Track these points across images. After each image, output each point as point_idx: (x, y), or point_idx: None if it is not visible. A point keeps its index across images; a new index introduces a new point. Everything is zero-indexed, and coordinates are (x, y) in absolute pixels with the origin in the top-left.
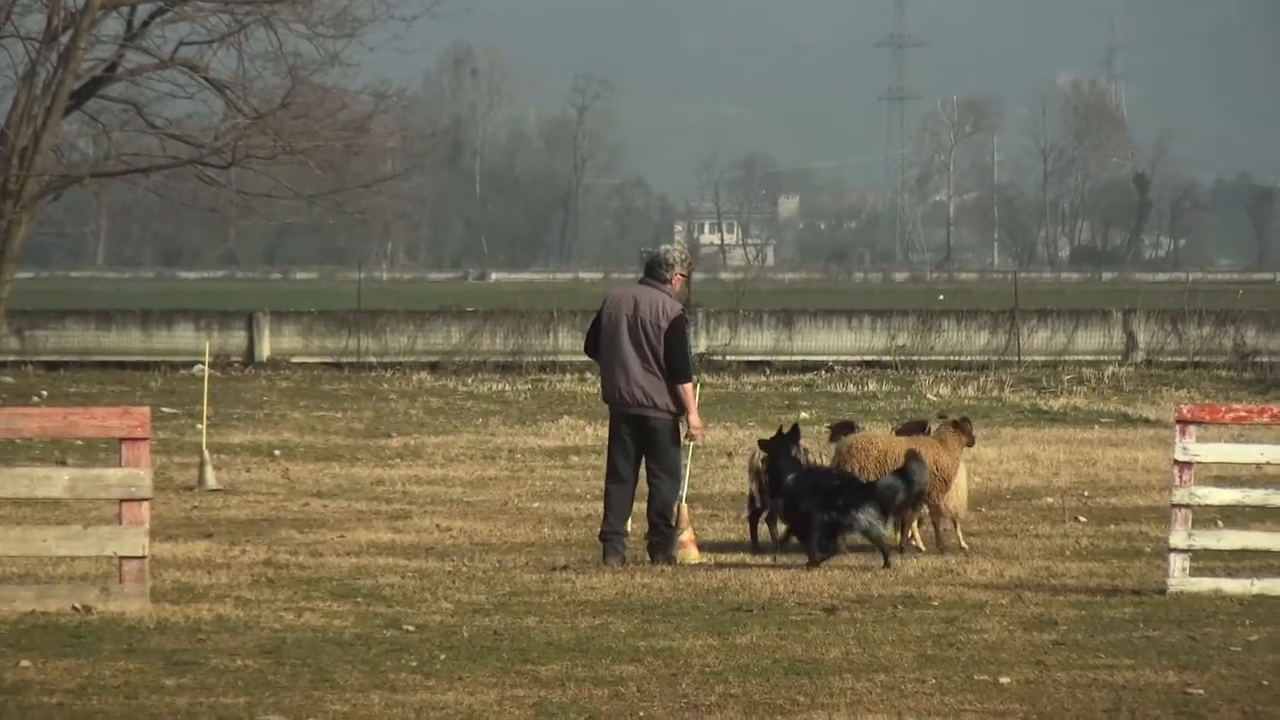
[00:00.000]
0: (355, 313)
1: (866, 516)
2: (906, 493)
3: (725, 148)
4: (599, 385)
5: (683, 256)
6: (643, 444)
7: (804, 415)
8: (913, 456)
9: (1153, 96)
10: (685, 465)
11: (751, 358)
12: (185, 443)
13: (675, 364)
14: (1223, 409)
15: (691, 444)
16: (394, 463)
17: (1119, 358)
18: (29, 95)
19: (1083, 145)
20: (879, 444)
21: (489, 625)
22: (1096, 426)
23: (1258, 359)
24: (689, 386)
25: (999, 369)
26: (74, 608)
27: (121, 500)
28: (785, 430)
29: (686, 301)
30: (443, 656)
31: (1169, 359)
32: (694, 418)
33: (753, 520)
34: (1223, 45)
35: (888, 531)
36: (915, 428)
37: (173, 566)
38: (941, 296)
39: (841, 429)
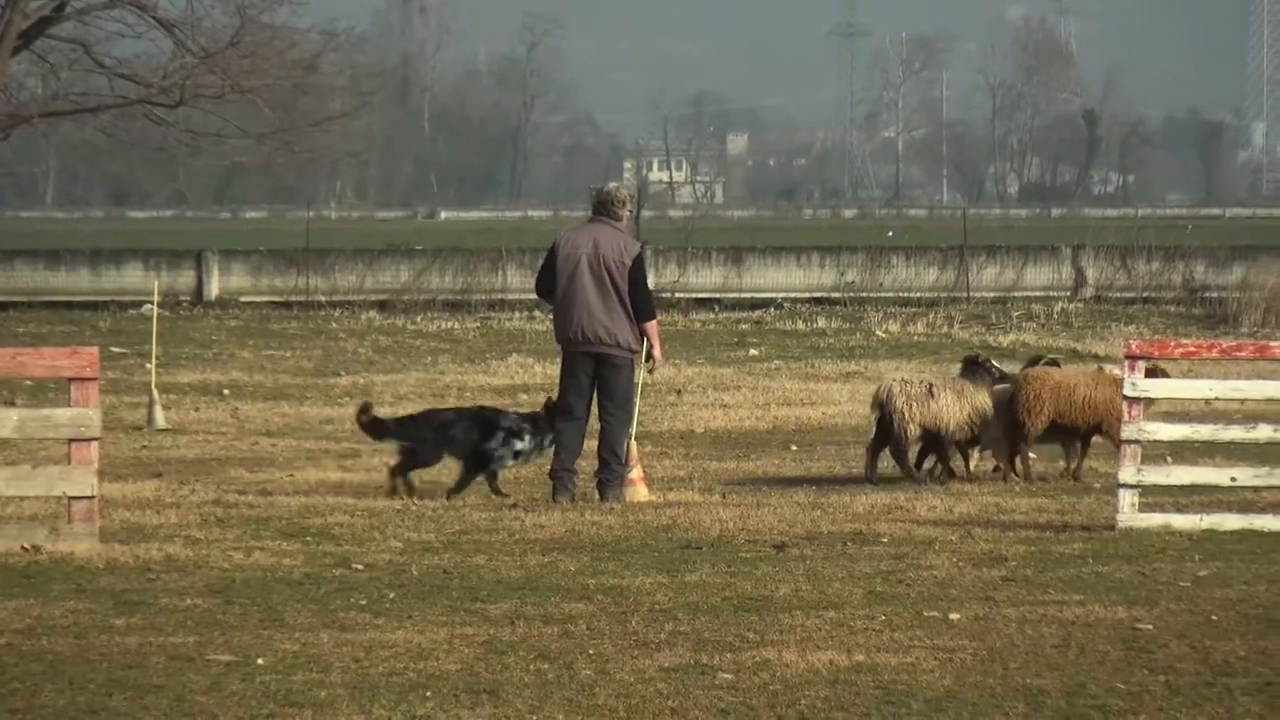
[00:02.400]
0: (304, 252)
1: None
2: None
3: (674, 85)
4: (550, 324)
5: (631, 194)
6: (600, 382)
7: (753, 352)
8: None
9: (1102, 32)
10: (636, 403)
11: (700, 295)
12: (134, 382)
13: (642, 301)
14: (1172, 344)
15: (641, 382)
16: (343, 401)
17: (1068, 294)
18: None
19: (1032, 81)
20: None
21: (438, 564)
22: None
23: (1206, 294)
24: (655, 323)
25: (948, 305)
26: (23, 548)
27: (70, 440)
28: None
29: (635, 237)
30: (392, 595)
31: (1118, 295)
32: (658, 352)
33: (872, 451)
34: None
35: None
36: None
37: (122, 506)
38: (890, 233)
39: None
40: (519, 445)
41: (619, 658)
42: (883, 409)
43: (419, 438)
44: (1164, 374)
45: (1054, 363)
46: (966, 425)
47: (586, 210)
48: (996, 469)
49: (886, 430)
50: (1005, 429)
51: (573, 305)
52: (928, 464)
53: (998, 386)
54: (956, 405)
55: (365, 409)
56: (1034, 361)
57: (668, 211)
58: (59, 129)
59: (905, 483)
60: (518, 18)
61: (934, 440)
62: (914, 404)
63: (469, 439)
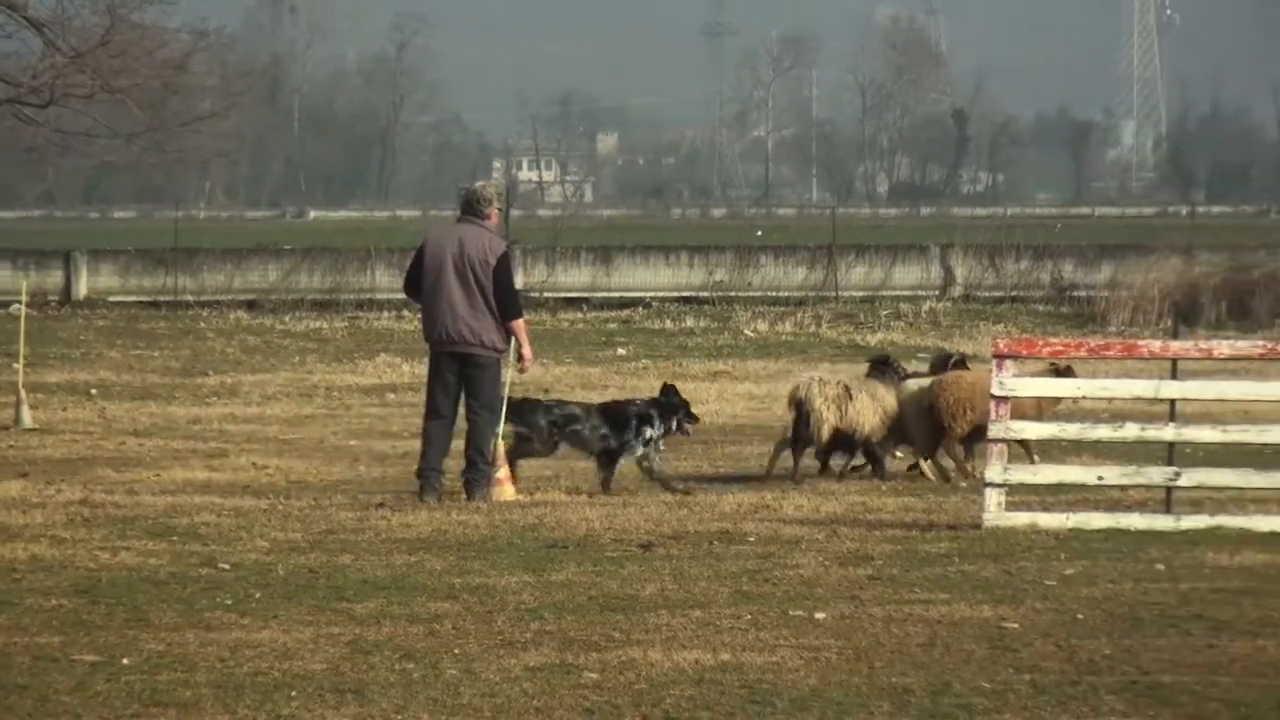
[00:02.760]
0: (173, 251)
1: None
2: None
3: (543, 84)
4: (419, 323)
5: (498, 192)
6: (465, 381)
7: (621, 351)
8: None
9: (971, 31)
10: (503, 403)
11: (569, 294)
12: (1, 382)
13: (506, 300)
14: (1040, 343)
15: (510, 381)
16: (211, 401)
17: (937, 293)
18: None
19: (901, 81)
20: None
21: (305, 563)
22: (914, 361)
23: (1075, 293)
24: (522, 321)
25: (816, 305)
26: None
27: None
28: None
29: (504, 237)
30: (258, 595)
31: (987, 293)
32: (527, 350)
33: (793, 450)
34: None
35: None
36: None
37: None
38: (759, 232)
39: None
40: (649, 433)
41: (484, 657)
42: (800, 408)
43: (535, 425)
44: (1072, 372)
45: (961, 362)
46: (881, 428)
47: (455, 210)
48: (911, 468)
49: (803, 429)
50: (927, 432)
51: (438, 305)
52: (836, 463)
53: (913, 387)
54: (871, 408)
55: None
56: (943, 362)
57: (537, 211)
58: None
59: (769, 482)
60: (387, 17)
61: (844, 441)
62: (832, 405)
63: (596, 435)
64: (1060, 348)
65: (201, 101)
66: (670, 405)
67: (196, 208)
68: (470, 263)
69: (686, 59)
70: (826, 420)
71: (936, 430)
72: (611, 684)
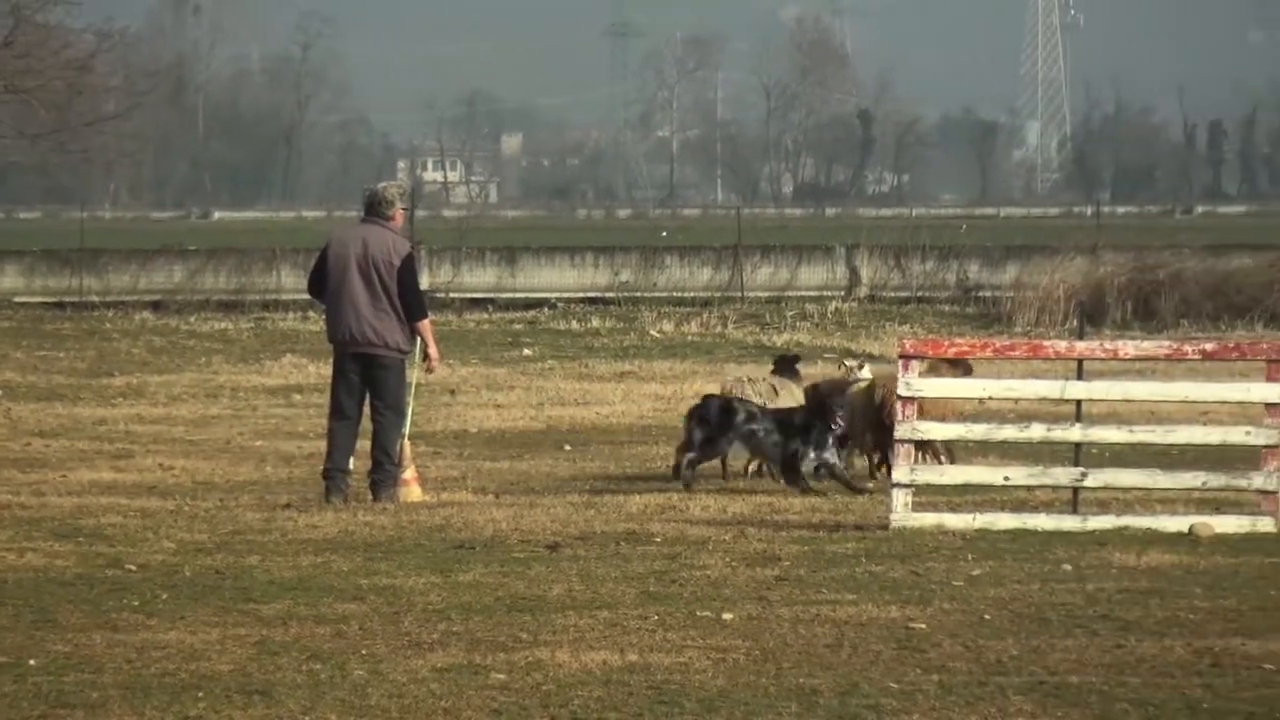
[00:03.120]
0: (78, 252)
1: None
2: None
3: (448, 85)
4: (324, 324)
5: (401, 192)
6: (370, 382)
7: (527, 352)
8: None
9: (876, 31)
10: (409, 403)
11: (474, 295)
12: None
13: (411, 301)
14: (945, 343)
15: (415, 382)
16: (117, 402)
17: (842, 293)
18: None
19: (806, 81)
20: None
21: (211, 564)
22: (820, 361)
23: (980, 294)
24: (427, 322)
25: (722, 305)
26: None
27: None
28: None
29: (409, 238)
30: (165, 596)
31: (892, 294)
32: (434, 351)
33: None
34: None
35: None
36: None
37: None
38: (665, 233)
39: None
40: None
41: (392, 658)
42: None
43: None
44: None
45: (797, 359)
46: None
47: (360, 210)
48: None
49: None
50: (873, 432)
51: (342, 306)
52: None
53: (855, 387)
54: (792, 405)
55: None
56: (789, 362)
57: (442, 212)
58: None
59: (679, 482)
60: (292, 17)
61: None
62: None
63: (770, 439)
64: (966, 348)
65: (106, 102)
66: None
67: (102, 208)
68: (374, 264)
69: (591, 60)
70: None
71: (883, 429)
72: (519, 685)
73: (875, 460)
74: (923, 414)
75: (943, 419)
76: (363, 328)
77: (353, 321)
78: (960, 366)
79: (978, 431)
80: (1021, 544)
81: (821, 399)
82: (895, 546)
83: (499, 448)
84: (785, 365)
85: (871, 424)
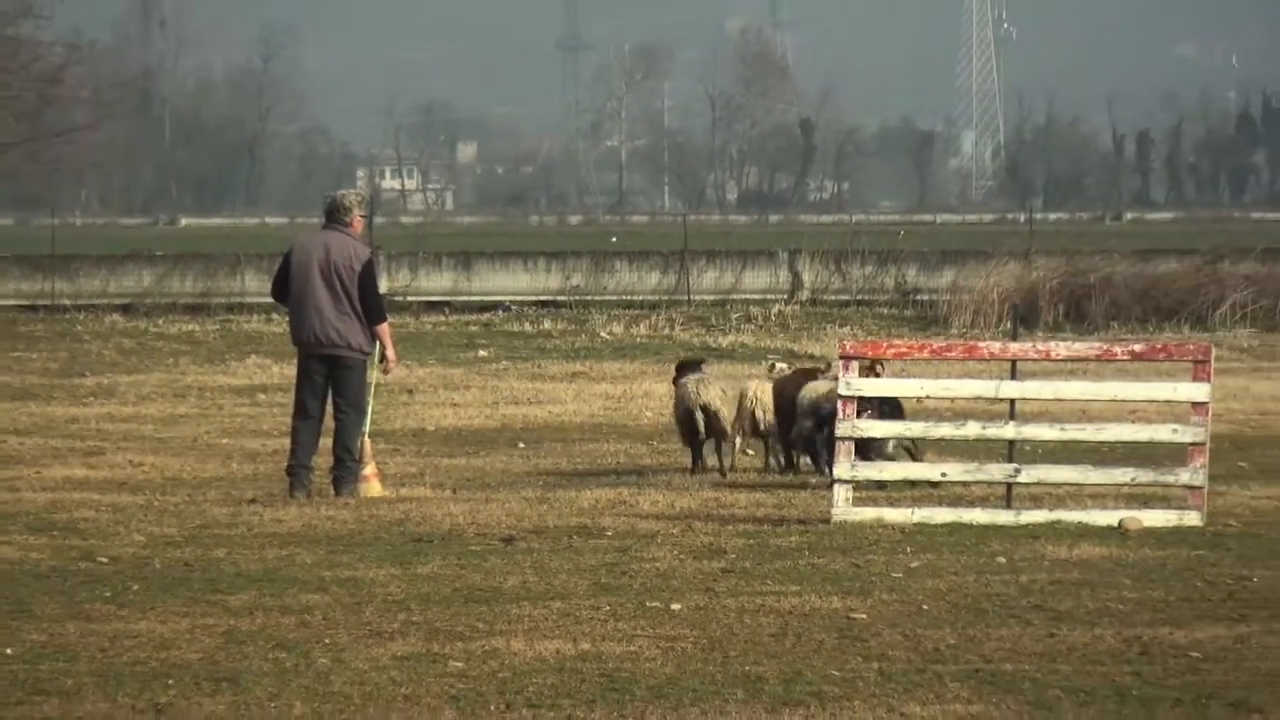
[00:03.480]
0: (49, 257)
1: None
2: None
3: (405, 94)
4: (287, 326)
5: (360, 200)
6: (333, 382)
7: (482, 353)
8: None
9: (817, 43)
10: (369, 403)
11: (431, 298)
12: None
13: (371, 305)
14: (884, 344)
15: (374, 382)
16: (88, 401)
17: (785, 296)
18: None
19: (750, 92)
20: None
21: (180, 557)
22: (763, 362)
23: (918, 297)
24: (386, 325)
25: (670, 308)
26: None
27: None
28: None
29: (368, 243)
30: (135, 587)
31: (833, 297)
32: (391, 353)
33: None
34: None
35: None
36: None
37: None
38: (614, 239)
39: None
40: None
41: (354, 646)
42: (704, 409)
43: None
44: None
45: (701, 364)
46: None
47: (321, 217)
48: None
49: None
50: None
51: (306, 309)
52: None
53: (824, 387)
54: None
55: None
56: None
57: (400, 218)
58: None
59: (629, 478)
60: (255, 29)
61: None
62: (729, 403)
63: None
64: (904, 349)
65: (76, 113)
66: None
67: (73, 215)
68: (336, 269)
69: (543, 71)
70: (724, 414)
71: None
72: (476, 673)
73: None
74: None
75: None
76: (326, 330)
77: (316, 324)
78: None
79: (915, 429)
80: (958, 537)
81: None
82: (836, 540)
83: (455, 445)
84: (691, 367)
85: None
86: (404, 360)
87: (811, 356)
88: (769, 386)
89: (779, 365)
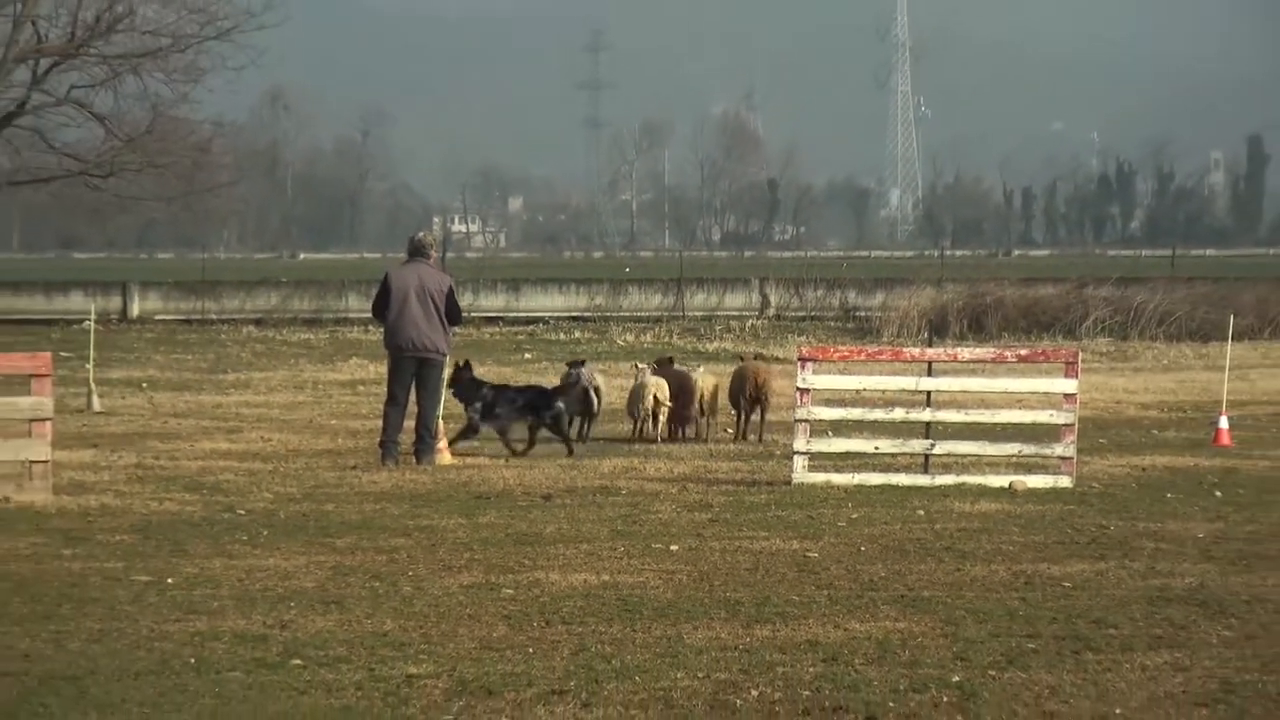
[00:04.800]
0: (201, 283)
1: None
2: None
3: (468, 160)
4: (383, 336)
5: (435, 240)
6: (418, 377)
7: (527, 356)
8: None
9: (780, 121)
10: (442, 393)
11: (488, 314)
12: (77, 378)
13: (454, 313)
14: (832, 350)
15: (446, 378)
16: (229, 391)
17: (756, 313)
18: None
19: (729, 158)
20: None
21: (299, 509)
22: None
23: (857, 313)
24: (455, 329)
25: (669, 322)
26: None
27: (31, 420)
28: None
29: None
30: (265, 532)
31: (793, 314)
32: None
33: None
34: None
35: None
36: (667, 363)
37: (68, 468)
38: (627, 269)
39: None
40: None
41: (430, 578)
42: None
43: None
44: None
45: (672, 360)
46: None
47: (404, 253)
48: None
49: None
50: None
51: (405, 322)
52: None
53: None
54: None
55: None
56: (666, 360)
57: (465, 254)
58: (21, 193)
59: (638, 450)
60: (354, 112)
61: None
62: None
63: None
64: (848, 353)
65: (220, 174)
66: None
67: (218, 251)
68: (429, 292)
69: (573, 143)
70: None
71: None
72: (523, 598)
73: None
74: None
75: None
76: (420, 338)
77: (413, 333)
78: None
79: (855, 414)
80: (887, 496)
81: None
82: (796, 497)
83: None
84: (578, 365)
85: (748, 399)
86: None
87: (776, 358)
88: (664, 381)
89: (640, 365)
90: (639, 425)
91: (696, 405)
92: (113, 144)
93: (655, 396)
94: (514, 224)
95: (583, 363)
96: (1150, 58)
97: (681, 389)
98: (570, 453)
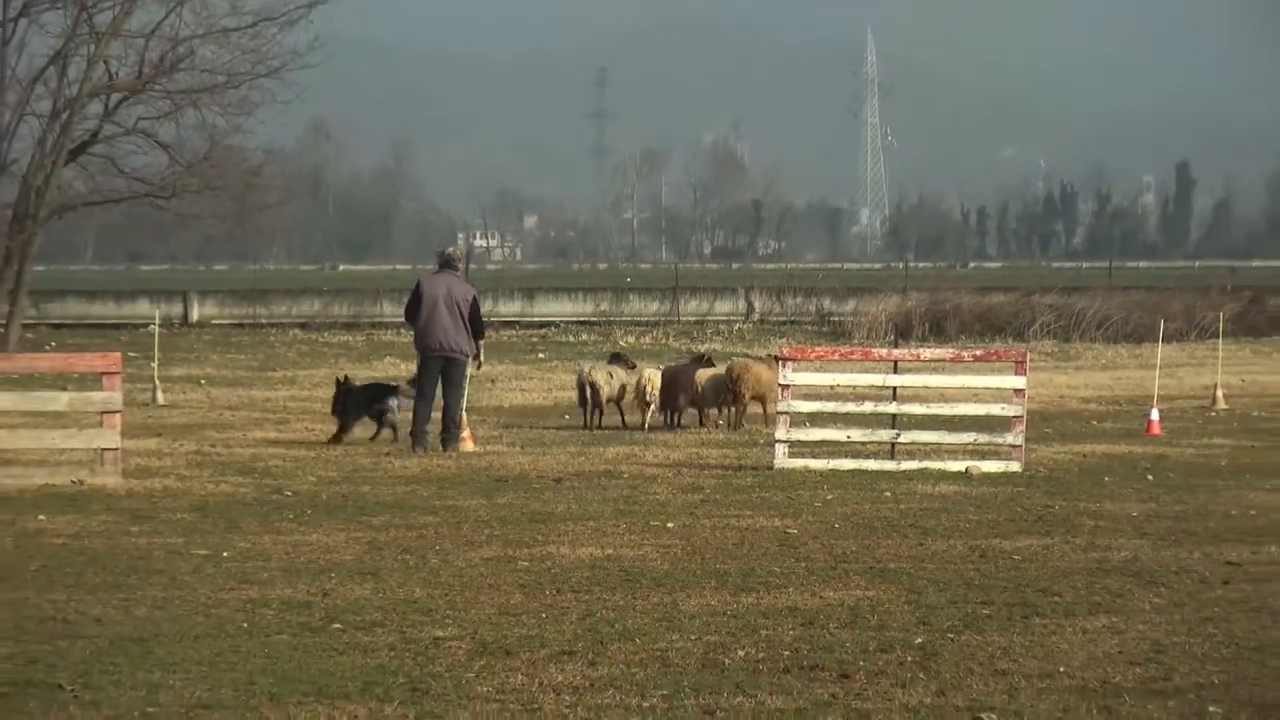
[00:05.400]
0: (252, 291)
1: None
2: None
3: (488, 182)
4: (414, 338)
5: (461, 253)
6: (444, 374)
7: (540, 355)
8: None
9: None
10: (466, 389)
11: (506, 319)
12: (143, 375)
13: (478, 324)
14: (810, 351)
15: (470, 375)
16: (277, 387)
17: (743, 318)
18: (42, 153)
19: (718, 181)
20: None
21: (339, 491)
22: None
23: (832, 318)
24: (482, 340)
25: (666, 325)
26: (72, 481)
27: (102, 412)
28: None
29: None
30: (310, 511)
31: (775, 319)
32: (482, 356)
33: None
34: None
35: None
36: (698, 360)
37: (135, 455)
38: (629, 279)
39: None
40: None
41: (455, 551)
42: (592, 385)
43: None
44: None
45: (707, 359)
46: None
47: (433, 265)
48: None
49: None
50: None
51: (434, 326)
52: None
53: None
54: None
55: None
56: (698, 358)
57: (485, 265)
58: (95, 213)
59: (638, 439)
60: (388, 141)
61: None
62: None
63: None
64: (823, 353)
65: (269, 195)
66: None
67: (267, 262)
68: (455, 301)
69: (582, 168)
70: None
71: (737, 397)
72: (537, 569)
73: (717, 416)
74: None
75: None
76: (447, 340)
77: (441, 336)
78: (702, 362)
79: (830, 407)
80: (858, 479)
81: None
82: (777, 480)
83: (523, 417)
84: (618, 359)
85: (729, 393)
86: (488, 359)
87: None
88: (657, 373)
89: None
90: (646, 414)
91: (689, 397)
92: (175, 169)
93: (648, 388)
94: (529, 239)
95: (622, 357)
96: (1090, 93)
97: (675, 382)
98: (395, 439)
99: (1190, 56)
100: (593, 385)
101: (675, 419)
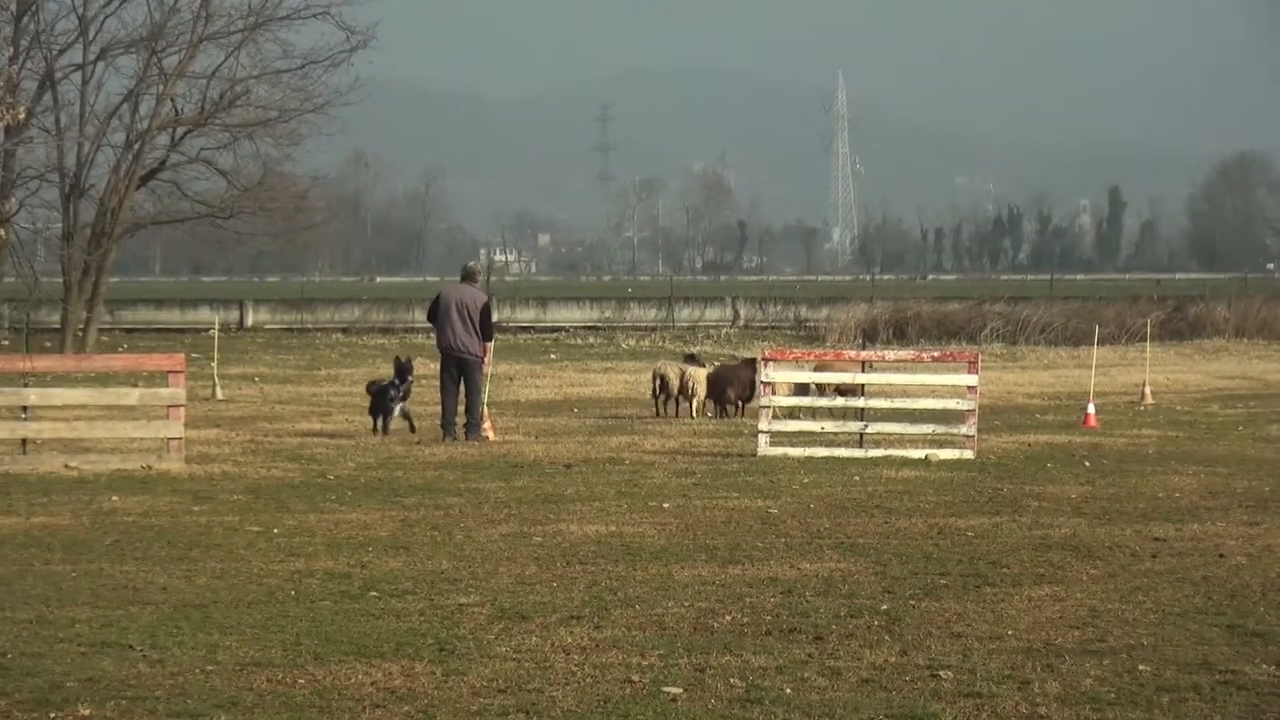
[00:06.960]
0: (300, 300)
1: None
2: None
3: (506, 206)
4: (435, 339)
5: (480, 268)
6: (460, 373)
7: (552, 357)
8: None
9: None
10: (485, 385)
11: (522, 324)
12: (204, 373)
13: (486, 329)
14: (789, 352)
15: (489, 374)
16: (322, 384)
17: (730, 323)
18: (116, 179)
19: (708, 204)
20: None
21: (376, 475)
22: (719, 362)
23: (808, 324)
24: (491, 343)
25: (662, 330)
26: (142, 467)
27: (168, 406)
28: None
29: (488, 293)
30: (349, 493)
31: (758, 325)
32: (489, 359)
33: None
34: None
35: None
36: (747, 363)
37: (197, 444)
38: (630, 289)
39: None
40: None
41: (478, 529)
42: (662, 379)
43: None
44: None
45: (695, 358)
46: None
47: (457, 277)
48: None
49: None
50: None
51: (447, 329)
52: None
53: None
54: (700, 377)
55: None
56: (690, 358)
57: (504, 278)
58: (162, 231)
59: (638, 430)
60: (419, 169)
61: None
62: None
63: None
64: (801, 355)
65: (315, 215)
66: None
67: (314, 275)
68: (466, 307)
69: (588, 193)
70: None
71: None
72: (549, 544)
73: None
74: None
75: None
76: (459, 342)
77: (452, 338)
78: (752, 365)
79: (806, 401)
80: (831, 465)
81: (713, 378)
82: (760, 466)
83: (537, 410)
84: (691, 359)
85: (746, 388)
86: (505, 360)
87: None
88: (703, 371)
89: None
90: (663, 403)
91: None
92: (232, 193)
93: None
94: (543, 255)
95: (695, 358)
96: (1034, 128)
97: (721, 379)
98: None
99: (1123, 97)
100: (663, 379)
101: (729, 410)
